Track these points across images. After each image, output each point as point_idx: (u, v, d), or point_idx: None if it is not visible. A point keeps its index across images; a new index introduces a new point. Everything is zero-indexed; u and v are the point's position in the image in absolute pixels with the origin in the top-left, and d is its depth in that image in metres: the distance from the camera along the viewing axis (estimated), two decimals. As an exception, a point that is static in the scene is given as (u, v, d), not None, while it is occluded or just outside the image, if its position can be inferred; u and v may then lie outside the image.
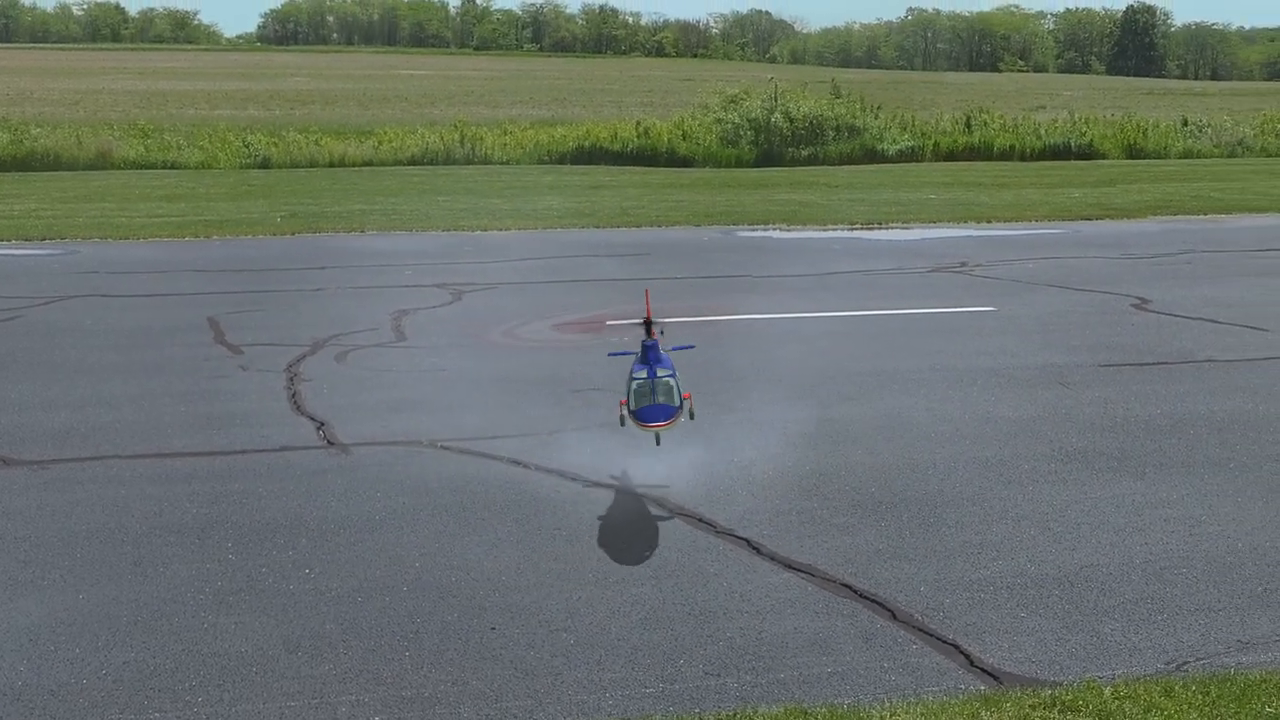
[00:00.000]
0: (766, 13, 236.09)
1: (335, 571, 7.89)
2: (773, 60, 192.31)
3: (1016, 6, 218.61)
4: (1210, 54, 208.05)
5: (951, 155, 43.88)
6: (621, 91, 79.46)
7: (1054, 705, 6.20)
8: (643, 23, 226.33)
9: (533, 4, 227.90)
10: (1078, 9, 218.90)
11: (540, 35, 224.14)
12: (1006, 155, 44.43)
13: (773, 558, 8.11)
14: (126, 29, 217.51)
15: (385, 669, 6.64)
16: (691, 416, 8.72)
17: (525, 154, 41.47)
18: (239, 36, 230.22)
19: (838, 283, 18.89)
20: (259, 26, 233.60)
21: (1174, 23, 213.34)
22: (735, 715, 6.13)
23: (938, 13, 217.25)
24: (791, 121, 42.61)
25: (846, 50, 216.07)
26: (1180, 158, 45.74)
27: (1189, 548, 8.33)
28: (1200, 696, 6.28)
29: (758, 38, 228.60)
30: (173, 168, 38.59)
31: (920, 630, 7.10)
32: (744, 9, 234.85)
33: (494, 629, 7.09)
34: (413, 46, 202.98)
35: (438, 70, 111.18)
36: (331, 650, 6.85)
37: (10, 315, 16.15)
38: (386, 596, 7.52)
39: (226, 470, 9.91)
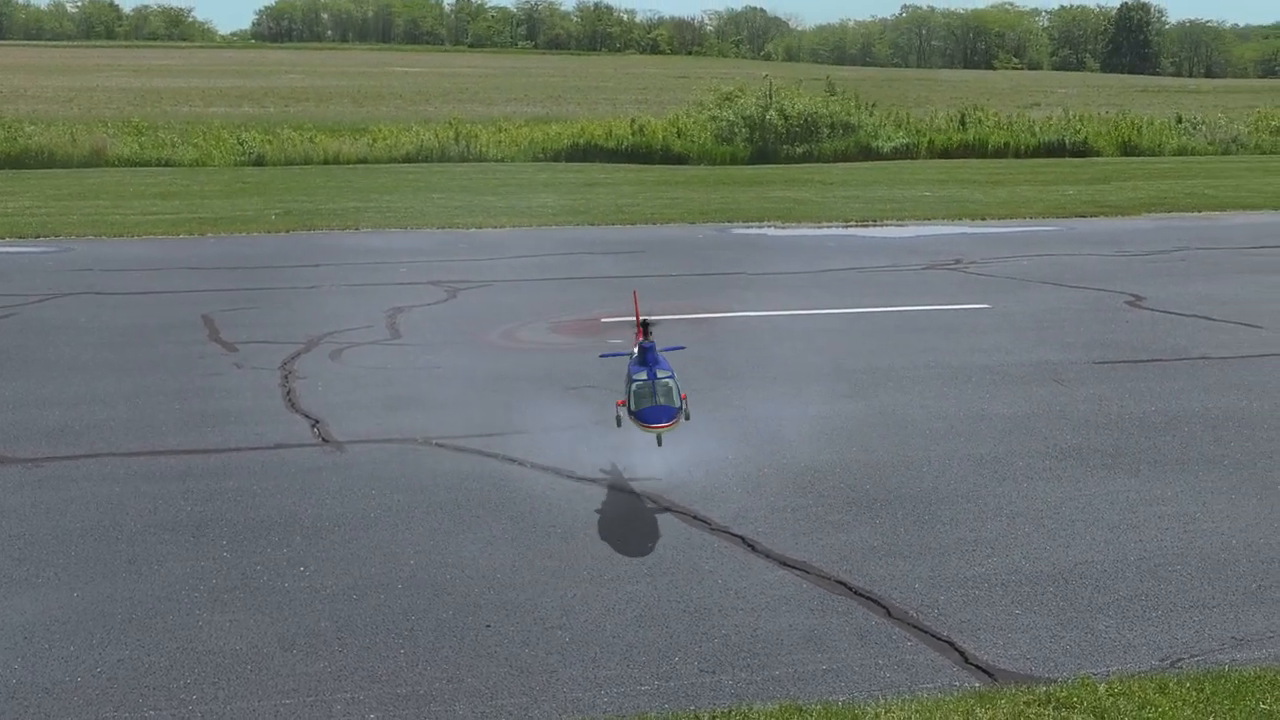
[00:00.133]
0: (761, 10, 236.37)
1: (330, 569, 7.89)
2: (767, 57, 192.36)
3: (1011, 4, 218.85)
4: (1204, 51, 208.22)
5: (946, 152, 43.89)
6: (616, 89, 79.48)
7: (1048, 702, 6.21)
8: (637, 20, 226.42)
9: (527, 1, 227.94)
10: (1072, 6, 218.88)
11: (535, 32, 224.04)
12: (1001, 152, 44.44)
13: (768, 555, 8.12)
14: (121, 26, 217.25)
15: (380, 666, 6.64)
16: (687, 417, 8.73)
17: (520, 151, 41.44)
18: (233, 33, 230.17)
19: (832, 280, 18.89)
20: (253, 23, 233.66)
21: (1168, 20, 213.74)
22: (730, 712, 6.14)
23: (932, 10, 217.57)
24: (786, 119, 42.60)
25: (841, 47, 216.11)
26: (1175, 155, 45.76)
27: (1183, 544, 8.34)
28: (1195, 693, 6.29)
29: (752, 35, 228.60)
30: (167, 165, 38.54)
31: (915, 627, 7.11)
32: (739, 6, 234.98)
33: (489, 626, 7.09)
34: (407, 43, 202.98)
35: (432, 67, 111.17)
36: (326, 648, 6.85)
37: (4, 313, 16.13)
38: (381, 594, 7.52)
39: (221, 468, 9.90)
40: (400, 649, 6.84)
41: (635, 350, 9.13)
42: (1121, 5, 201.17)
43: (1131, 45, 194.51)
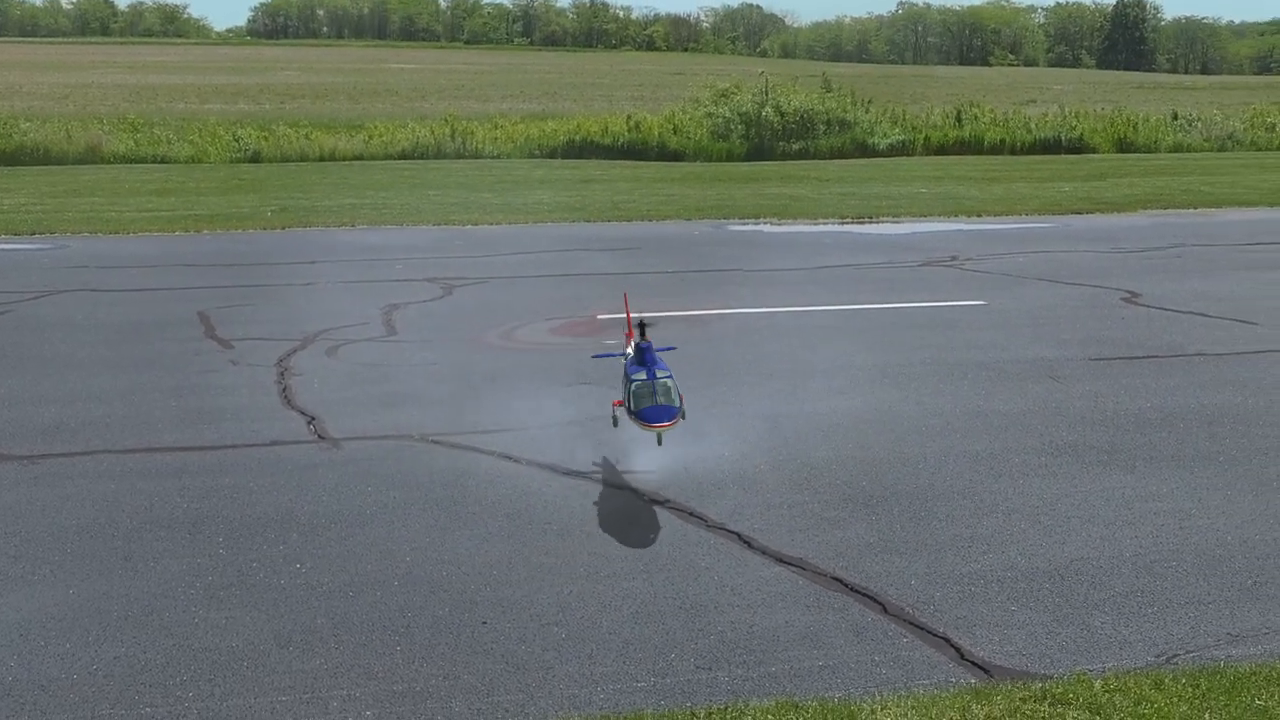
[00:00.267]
0: (757, 7, 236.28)
1: (326, 566, 7.89)
2: (763, 54, 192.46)
3: (1007, 1, 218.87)
4: (1200, 48, 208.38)
5: (942, 149, 43.91)
6: (612, 85, 79.46)
7: (1044, 698, 6.22)
8: (633, 17, 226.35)
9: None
10: (1068, 3, 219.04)
11: (531, 29, 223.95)
12: (997, 149, 44.46)
13: (764, 552, 8.12)
14: (116, 23, 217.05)
15: (376, 663, 6.64)
16: (683, 416, 8.76)
17: (516, 148, 41.43)
18: (229, 30, 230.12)
19: (828, 277, 18.89)
20: (249, 20, 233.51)
21: (1164, 17, 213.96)
22: (726, 709, 6.14)
23: (928, 7, 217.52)
24: (782, 115, 42.61)
25: (837, 44, 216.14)
26: (1170, 152, 45.80)
27: (1179, 541, 8.35)
28: (1190, 689, 6.30)
29: (748, 32, 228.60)
30: (162, 162, 38.51)
31: (911, 624, 7.11)
32: (735, 3, 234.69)
33: (485, 623, 7.09)
34: (403, 40, 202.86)
35: (428, 64, 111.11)
36: (322, 645, 6.84)
37: (0, 310, 16.10)
38: (377, 591, 7.52)
39: (217, 465, 9.90)
40: (396, 646, 6.84)
41: (629, 351, 9.21)
42: (1117, 2, 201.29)
43: (1127, 42, 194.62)
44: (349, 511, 8.83)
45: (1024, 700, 6.20)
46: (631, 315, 9.62)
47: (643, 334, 9.03)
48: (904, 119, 46.54)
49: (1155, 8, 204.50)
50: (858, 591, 7.52)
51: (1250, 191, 31.85)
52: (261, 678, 6.49)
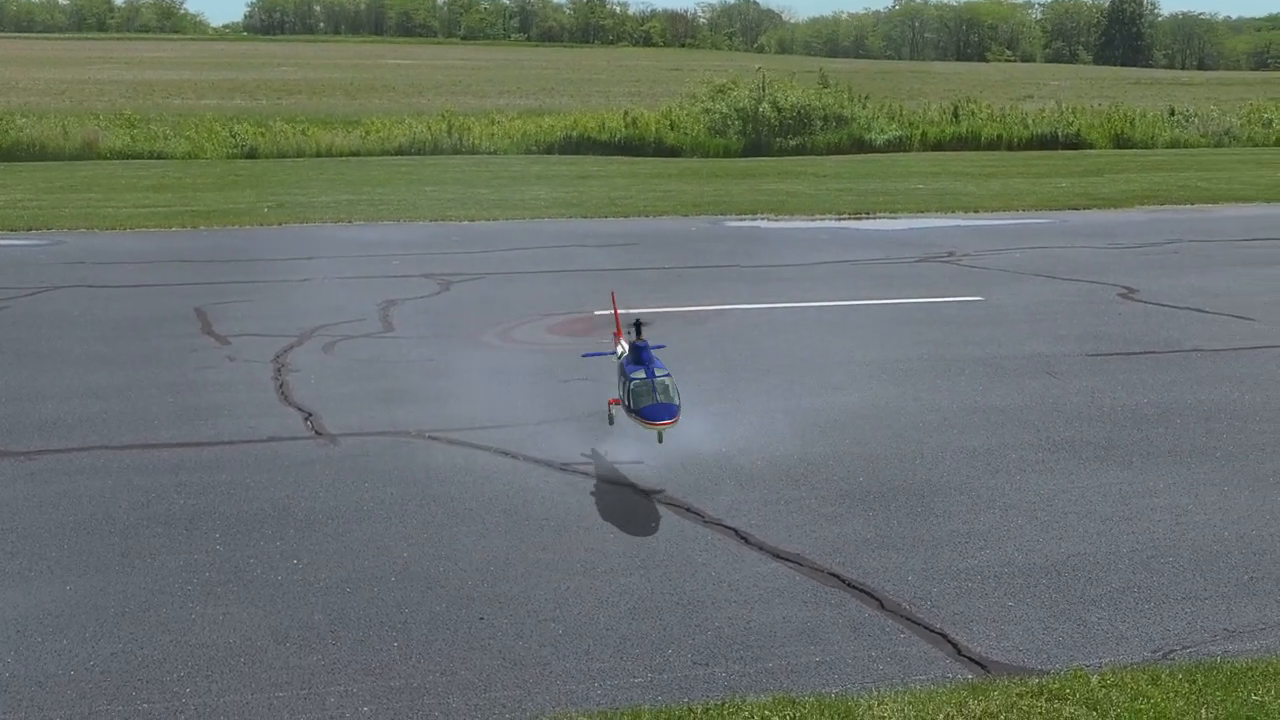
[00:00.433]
0: (754, 2, 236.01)
1: (323, 562, 7.89)
2: (760, 50, 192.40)
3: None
4: (1197, 44, 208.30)
5: (939, 145, 43.93)
6: (609, 81, 79.41)
7: (1041, 694, 6.22)
8: (630, 12, 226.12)
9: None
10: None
11: (527, 25, 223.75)
12: (994, 145, 44.49)
13: (761, 547, 8.12)
14: (112, 18, 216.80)
15: (373, 659, 6.64)
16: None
17: (513, 144, 41.43)
18: (225, 26, 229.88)
19: (825, 272, 18.89)
20: (245, 16, 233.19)
21: (1161, 12, 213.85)
22: (724, 705, 6.14)
23: (925, 2, 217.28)
24: (779, 111, 42.62)
25: (834, 40, 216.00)
26: (1167, 147, 45.83)
27: (1175, 537, 8.36)
28: (1187, 684, 6.30)
29: (745, 27, 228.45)
30: (159, 158, 38.50)
31: (908, 619, 7.11)
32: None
33: (482, 619, 7.09)
34: (400, 36, 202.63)
35: (425, 60, 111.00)
36: (320, 641, 6.84)
37: (-4, 306, 16.10)
38: (374, 587, 7.52)
39: (214, 461, 9.89)
40: (394, 642, 6.83)
41: (621, 349, 9.29)
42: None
43: (1124, 37, 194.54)
44: (346, 507, 8.83)
45: (1021, 696, 6.20)
46: (629, 313, 9.66)
47: (639, 332, 9.06)
48: (901, 115, 46.56)
49: (1152, 3, 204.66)
50: (855, 587, 7.52)
51: (1247, 187, 31.87)
52: (258, 673, 6.49)
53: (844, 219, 25.85)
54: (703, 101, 44.95)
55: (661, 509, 8.76)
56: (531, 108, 53.18)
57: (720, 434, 10.28)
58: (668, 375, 8.77)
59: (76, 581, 7.59)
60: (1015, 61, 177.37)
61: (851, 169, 36.37)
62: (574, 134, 42.03)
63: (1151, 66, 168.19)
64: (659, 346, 9.60)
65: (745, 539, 8.25)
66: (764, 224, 25.14)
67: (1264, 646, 6.78)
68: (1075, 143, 45.04)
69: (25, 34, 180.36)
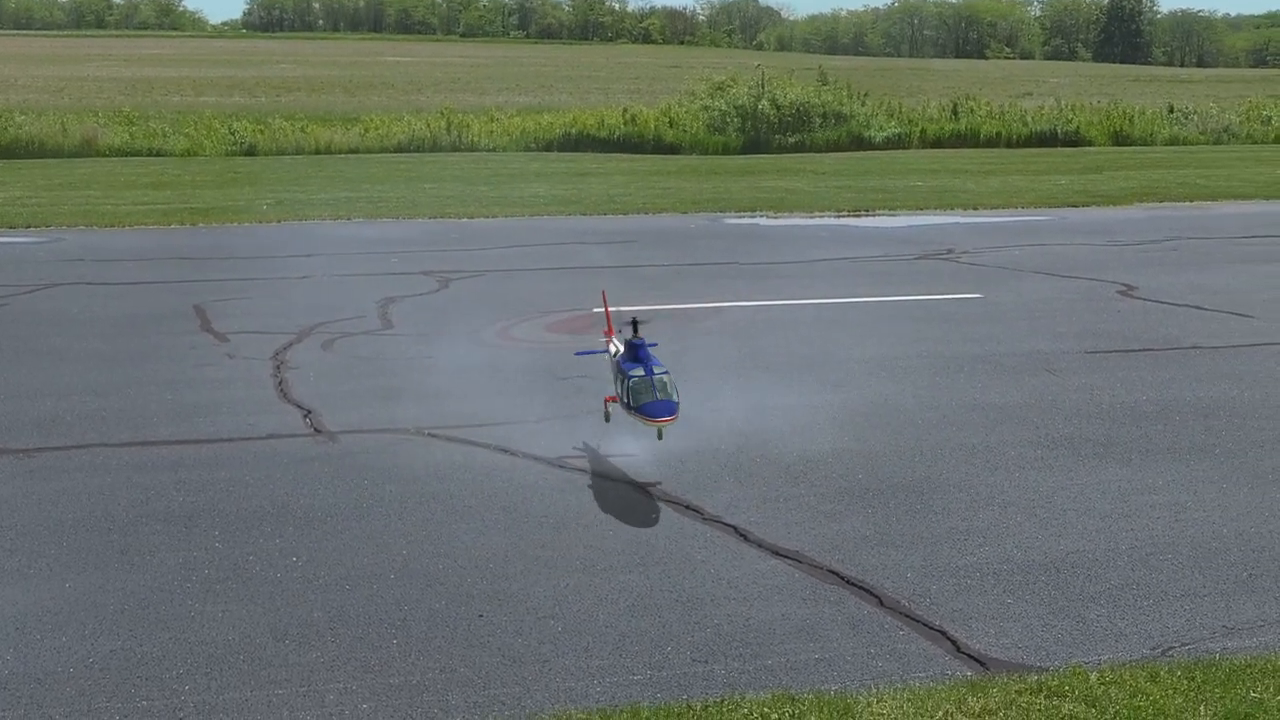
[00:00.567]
0: (753, 0, 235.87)
1: (322, 559, 7.89)
2: (759, 47, 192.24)
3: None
4: (1196, 41, 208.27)
5: (938, 142, 43.95)
6: (608, 78, 79.36)
7: (1040, 691, 6.22)
8: (629, 9, 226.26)
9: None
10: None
11: (527, 22, 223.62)
12: (993, 142, 44.52)
13: (760, 544, 8.12)
14: (111, 16, 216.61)
15: (373, 657, 6.64)
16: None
17: (512, 141, 41.44)
18: (224, 23, 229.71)
19: (824, 270, 18.89)
20: (244, 13, 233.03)
21: (1160, 10, 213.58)
22: (723, 702, 6.14)
23: (924, 0, 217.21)
24: (778, 108, 42.63)
25: (833, 37, 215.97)
26: (1166, 145, 45.86)
27: (1174, 534, 8.36)
28: (1185, 681, 6.30)
29: (744, 25, 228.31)
30: (158, 155, 38.49)
31: (907, 616, 7.12)
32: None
33: (481, 616, 7.09)
34: (399, 33, 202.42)
35: (424, 57, 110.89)
36: (319, 638, 6.84)
37: (-5, 303, 16.09)
38: (374, 584, 7.52)
39: (213, 458, 9.89)
40: (393, 639, 6.83)
41: (614, 347, 9.36)
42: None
43: (1123, 35, 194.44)
44: (345, 505, 8.83)
45: (1020, 693, 6.21)
46: (620, 311, 9.68)
47: (635, 330, 9.09)
48: (900, 112, 46.57)
49: (1151, 0, 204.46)
50: (854, 584, 7.53)
51: (1246, 184, 31.89)
52: (258, 671, 6.49)
53: (843, 216, 25.85)
54: (702, 99, 44.96)
55: (661, 506, 8.76)
56: (531, 105, 53.17)
57: (719, 431, 10.28)
58: (666, 373, 8.81)
59: (75, 579, 7.59)
60: (1014, 59, 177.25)
61: (851, 166, 36.37)
62: (573, 131, 42.04)
63: (1150, 64, 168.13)
64: (651, 345, 9.61)
65: (744, 536, 8.26)
66: (763, 221, 25.14)
67: (1263, 644, 6.79)
68: (1074, 140, 45.07)
69: (24, 31, 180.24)
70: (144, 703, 6.18)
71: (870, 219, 25.47)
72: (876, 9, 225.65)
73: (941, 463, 9.78)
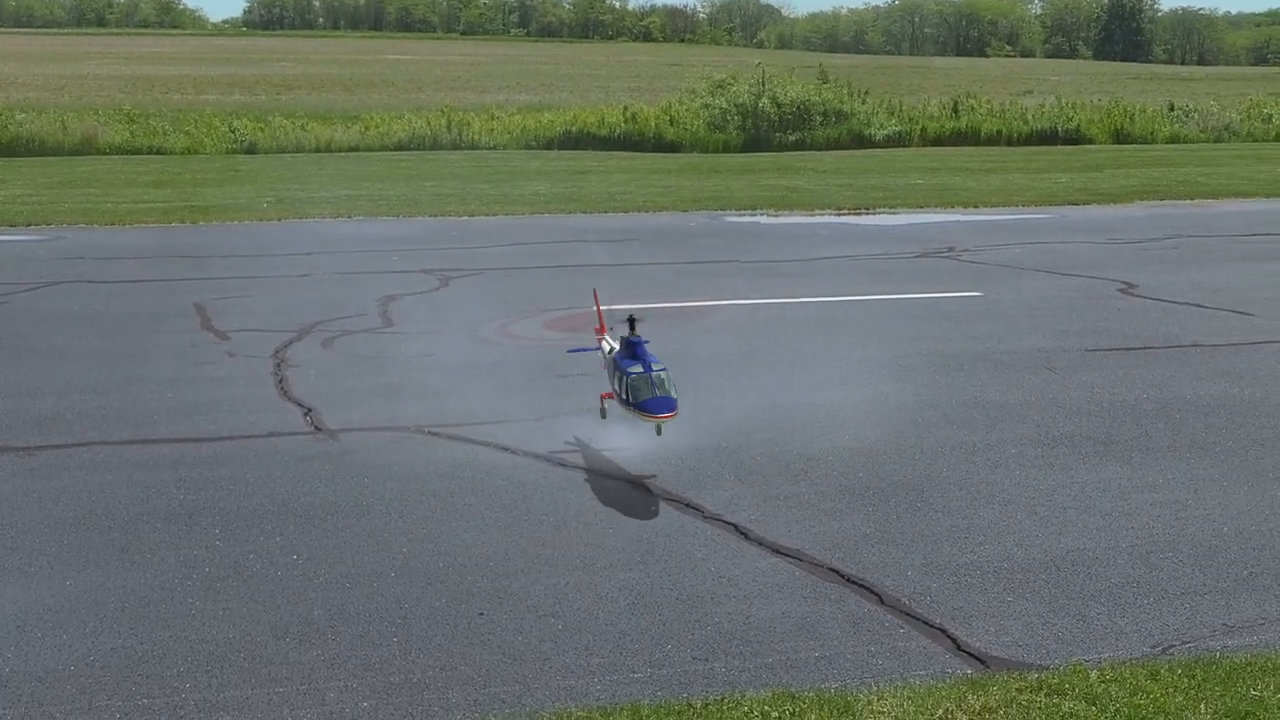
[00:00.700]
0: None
1: (323, 557, 7.89)
2: (760, 45, 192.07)
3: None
4: (1197, 39, 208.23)
5: (939, 140, 43.95)
6: (609, 76, 79.32)
7: (1040, 689, 6.22)
8: (630, 7, 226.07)
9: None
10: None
11: (527, 20, 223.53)
12: (994, 140, 44.51)
13: (760, 542, 8.12)
14: (111, 14, 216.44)
15: (373, 654, 6.64)
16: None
17: (512, 139, 41.43)
18: (225, 21, 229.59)
19: (825, 268, 18.89)
20: (244, 11, 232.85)
21: (1160, 8, 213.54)
22: (723, 700, 6.14)
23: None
24: (779, 106, 42.63)
25: (834, 35, 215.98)
26: (1167, 143, 45.86)
27: (1175, 532, 8.36)
28: (1186, 680, 6.30)
29: (745, 23, 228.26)
30: (158, 153, 38.49)
31: (907, 614, 7.12)
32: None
33: (482, 614, 7.10)
34: (399, 31, 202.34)
35: (424, 55, 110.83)
36: (319, 636, 6.84)
37: (-5, 301, 16.10)
38: (374, 582, 7.52)
39: (213, 456, 9.89)
40: (393, 637, 6.84)
41: (607, 345, 9.49)
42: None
43: (1124, 33, 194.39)
44: (345, 503, 8.83)
45: (1020, 691, 6.21)
46: (627, 310, 9.71)
47: (632, 327, 9.15)
48: (901, 110, 46.57)
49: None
50: (854, 582, 7.53)
51: (1246, 183, 31.88)
52: (258, 669, 6.49)
53: (844, 214, 25.85)
54: (702, 97, 44.94)
55: (660, 504, 8.76)
56: (531, 103, 53.15)
57: (720, 429, 10.28)
58: (664, 369, 8.86)
59: (76, 577, 7.60)
60: (1015, 57, 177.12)
61: (851, 164, 36.36)
62: (573, 129, 42.03)
63: (1151, 62, 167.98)
64: (645, 341, 9.64)
65: (745, 534, 8.26)
66: (764, 219, 25.13)
67: (1263, 641, 6.79)
68: (1075, 138, 45.07)
69: (25, 29, 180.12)
70: (145, 700, 6.18)
71: (871, 217, 25.46)
72: (877, 7, 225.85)
73: (942, 461, 9.78)
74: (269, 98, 58.07)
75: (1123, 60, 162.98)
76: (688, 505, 8.74)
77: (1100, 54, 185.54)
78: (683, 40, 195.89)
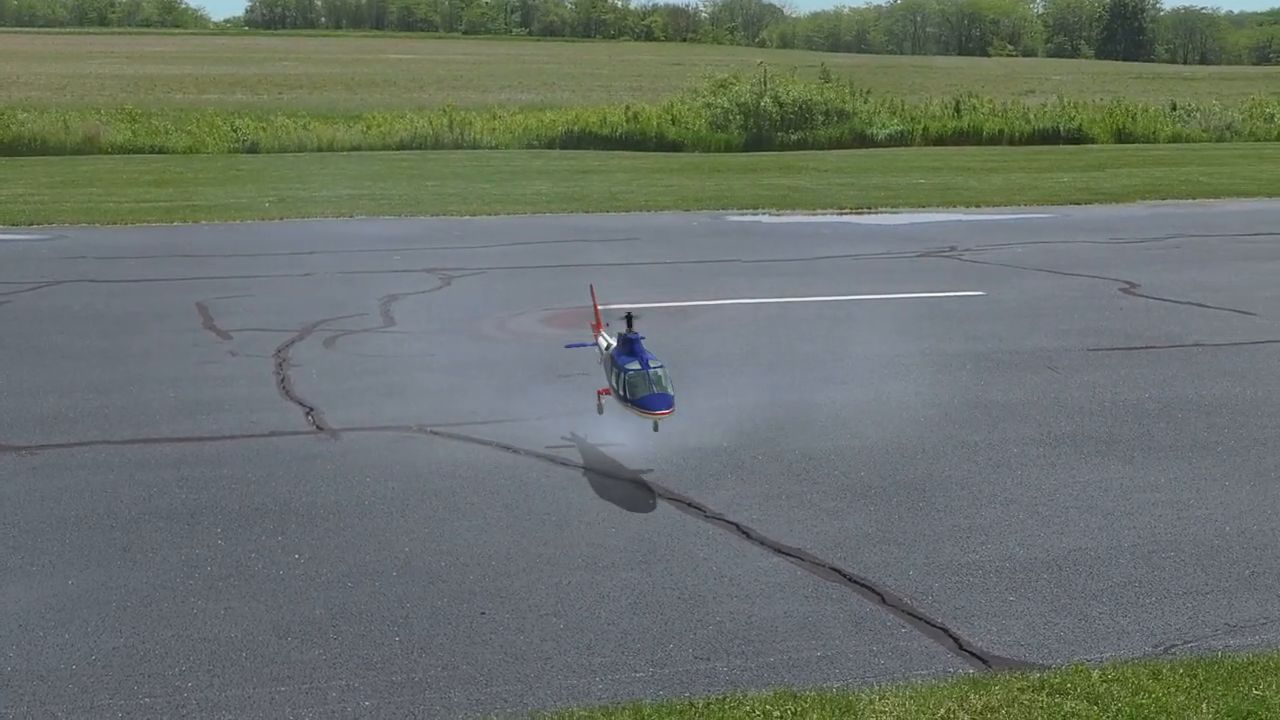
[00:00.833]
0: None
1: (325, 557, 7.89)
2: (762, 45, 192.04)
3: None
4: (1199, 38, 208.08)
5: (940, 140, 43.90)
6: (610, 76, 79.29)
7: (1042, 688, 6.22)
8: (632, 7, 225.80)
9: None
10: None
11: (529, 19, 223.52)
12: (995, 140, 44.46)
13: (762, 542, 8.12)
14: (113, 13, 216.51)
15: (375, 654, 6.64)
16: None
17: (514, 139, 41.41)
18: (226, 21, 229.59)
19: (827, 267, 18.88)
20: (246, 11, 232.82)
21: (1163, 7, 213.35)
22: (725, 699, 6.14)
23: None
24: (781, 106, 42.60)
25: (836, 35, 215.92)
26: (1169, 142, 45.81)
27: (1177, 531, 8.36)
28: (1188, 679, 6.30)
29: (747, 22, 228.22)
30: (160, 152, 38.46)
31: (909, 614, 7.12)
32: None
33: (484, 614, 7.10)
34: (401, 30, 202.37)
35: (426, 54, 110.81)
36: (321, 635, 6.85)
37: (-2, 301, 16.10)
38: (376, 581, 7.52)
39: (215, 456, 9.89)
40: (395, 636, 6.84)
41: (604, 341, 9.57)
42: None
43: (1126, 32, 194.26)
44: (347, 502, 8.84)
45: (1022, 690, 6.21)
46: (628, 308, 9.72)
47: (630, 325, 9.20)
48: (903, 109, 46.53)
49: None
50: (856, 582, 7.53)
51: (1249, 182, 31.86)
52: (260, 668, 6.49)
53: (845, 214, 25.84)
54: (704, 96, 44.91)
55: (662, 503, 8.76)
56: (533, 102, 53.12)
57: (721, 429, 10.28)
58: (661, 366, 8.91)
59: (78, 576, 7.60)
60: (1017, 56, 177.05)
61: (853, 164, 36.34)
62: (575, 129, 42.01)
63: (1153, 61, 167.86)
64: (640, 337, 9.66)
65: (746, 534, 8.26)
66: (765, 219, 25.13)
67: (1265, 641, 6.79)
68: (1077, 138, 45.02)
69: (27, 28, 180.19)
70: (146, 699, 6.19)
71: (873, 216, 25.46)
72: (879, 6, 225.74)
73: (943, 460, 9.78)
74: (271, 97, 58.06)
75: (1125, 59, 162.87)
76: (689, 505, 8.74)
77: (1102, 53, 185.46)
78: (685, 39, 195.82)
